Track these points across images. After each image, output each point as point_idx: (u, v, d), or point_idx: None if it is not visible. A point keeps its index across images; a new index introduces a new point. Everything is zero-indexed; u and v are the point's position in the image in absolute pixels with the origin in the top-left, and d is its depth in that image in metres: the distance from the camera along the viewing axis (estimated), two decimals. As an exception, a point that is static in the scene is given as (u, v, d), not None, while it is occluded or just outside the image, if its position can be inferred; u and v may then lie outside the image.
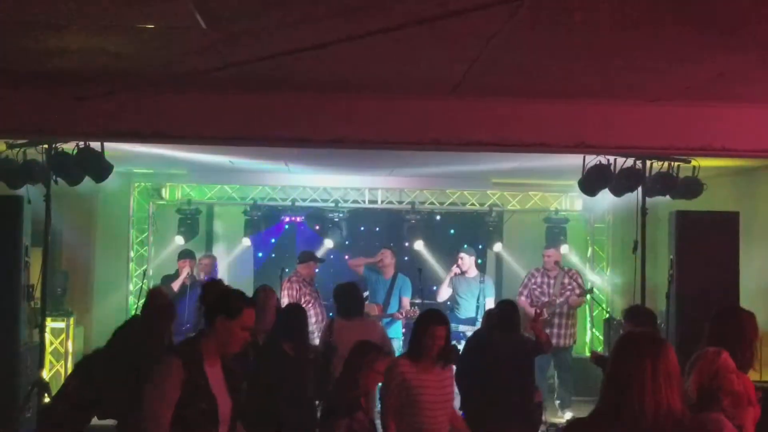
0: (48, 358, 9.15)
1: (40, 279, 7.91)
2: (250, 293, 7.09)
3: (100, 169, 7.72)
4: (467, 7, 4.02)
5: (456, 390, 8.67)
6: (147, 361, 4.09)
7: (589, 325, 12.17)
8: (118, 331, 5.31)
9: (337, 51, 4.87)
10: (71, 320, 10.15)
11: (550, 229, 11.83)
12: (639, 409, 2.80)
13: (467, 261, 10.20)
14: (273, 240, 12.14)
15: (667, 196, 8.37)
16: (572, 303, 10.07)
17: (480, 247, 12.15)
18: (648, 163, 7.98)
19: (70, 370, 9.81)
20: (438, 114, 6.51)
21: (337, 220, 11.64)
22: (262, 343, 6.27)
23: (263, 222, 11.69)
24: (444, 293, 10.32)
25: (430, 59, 5.41)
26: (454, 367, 6.01)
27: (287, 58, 5.03)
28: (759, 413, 4.11)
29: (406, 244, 11.78)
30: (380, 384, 5.40)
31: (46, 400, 7.58)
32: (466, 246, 10.50)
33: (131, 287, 11.34)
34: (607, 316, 11.22)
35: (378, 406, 6.19)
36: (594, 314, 12.06)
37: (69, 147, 7.59)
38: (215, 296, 4.03)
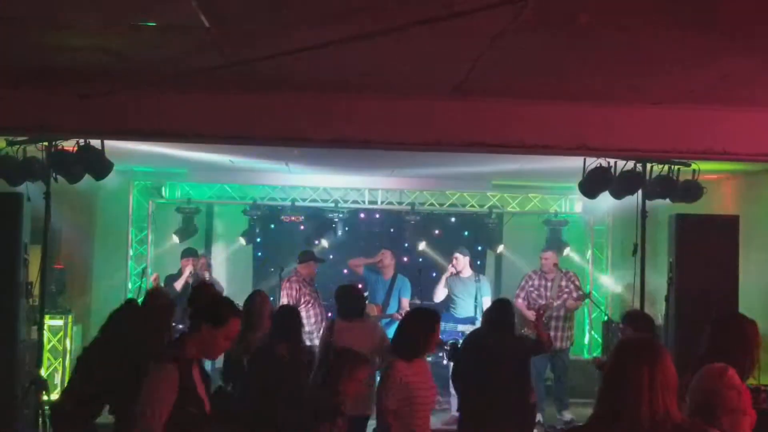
0: (46, 355, 9.14)
1: (38, 276, 7.90)
2: (248, 292, 7.15)
3: (101, 167, 7.71)
4: (472, 8, 4.01)
5: (453, 391, 8.77)
6: (146, 361, 4.08)
7: (587, 328, 12.18)
8: (114, 314, 5.32)
9: (339, 51, 4.87)
10: (70, 318, 10.14)
11: (549, 232, 11.86)
12: (636, 414, 2.81)
13: (462, 261, 10.21)
14: (272, 240, 12.13)
15: (667, 200, 8.36)
16: (569, 306, 10.08)
17: (479, 248, 12.18)
18: (648, 166, 7.98)
19: (68, 368, 9.86)
20: (439, 114, 6.51)
21: (337, 220, 11.64)
22: (258, 346, 6.28)
23: (263, 221, 11.68)
24: (440, 294, 10.32)
25: (432, 60, 5.41)
26: (451, 365, 6.04)
27: (289, 57, 5.03)
28: (755, 419, 4.10)
29: (406, 244, 11.79)
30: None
31: (45, 397, 7.59)
32: (460, 246, 10.52)
33: (130, 285, 11.33)
34: (606, 319, 11.22)
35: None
36: (593, 317, 12.07)
37: (69, 144, 7.58)
38: (204, 301, 4.01)
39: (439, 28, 4.40)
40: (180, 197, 11.67)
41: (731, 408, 3.83)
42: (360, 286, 9.11)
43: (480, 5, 3.98)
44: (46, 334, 8.78)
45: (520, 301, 10.00)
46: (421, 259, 11.91)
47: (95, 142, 7.52)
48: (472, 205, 11.94)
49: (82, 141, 7.48)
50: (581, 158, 7.79)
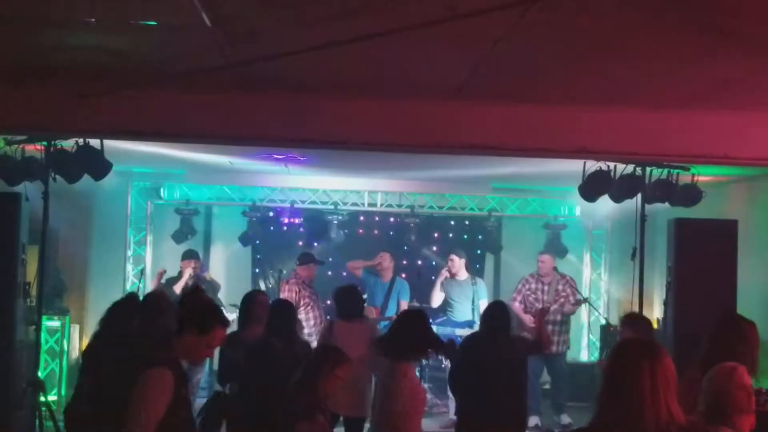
0: (43, 356, 9.11)
1: (36, 277, 7.88)
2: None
3: (100, 167, 7.70)
4: (475, 10, 4.01)
5: (450, 394, 8.75)
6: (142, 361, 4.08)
7: (585, 332, 12.18)
8: (115, 308, 5.31)
9: (340, 52, 4.86)
10: (67, 319, 10.12)
11: (548, 235, 11.86)
12: (639, 416, 2.79)
13: (457, 263, 10.20)
14: (271, 242, 12.11)
15: (666, 203, 8.37)
16: (567, 311, 10.10)
17: (478, 252, 12.18)
18: (648, 169, 7.99)
19: (65, 369, 9.85)
20: (440, 117, 6.50)
21: (336, 222, 11.63)
22: (255, 343, 6.29)
23: (262, 223, 11.66)
24: (437, 298, 10.31)
25: (434, 61, 5.41)
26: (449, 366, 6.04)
27: (290, 58, 5.02)
28: (754, 420, 4.10)
29: (405, 247, 11.79)
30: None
31: (42, 398, 7.57)
32: (456, 248, 10.52)
33: (128, 287, 11.30)
34: (605, 322, 11.22)
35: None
36: (590, 320, 12.07)
37: (68, 144, 7.57)
38: (192, 308, 4.02)
39: (441, 30, 4.40)
40: (179, 198, 11.65)
41: (740, 407, 3.82)
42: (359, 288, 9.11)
43: (483, 8, 3.98)
44: (43, 334, 8.75)
45: (516, 304, 10.00)
46: (420, 262, 11.91)
47: (94, 142, 7.51)
48: (472, 208, 11.95)
49: (81, 141, 7.46)
50: (581, 162, 7.80)
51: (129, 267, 11.50)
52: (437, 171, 10.32)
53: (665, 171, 8.05)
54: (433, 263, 11.82)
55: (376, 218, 12.19)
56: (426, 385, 9.86)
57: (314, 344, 7.43)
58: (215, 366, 8.20)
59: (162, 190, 11.68)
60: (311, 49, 4.79)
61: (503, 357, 6.38)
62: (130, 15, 4.56)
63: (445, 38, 4.72)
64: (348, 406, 6.45)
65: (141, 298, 6.29)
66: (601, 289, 12.22)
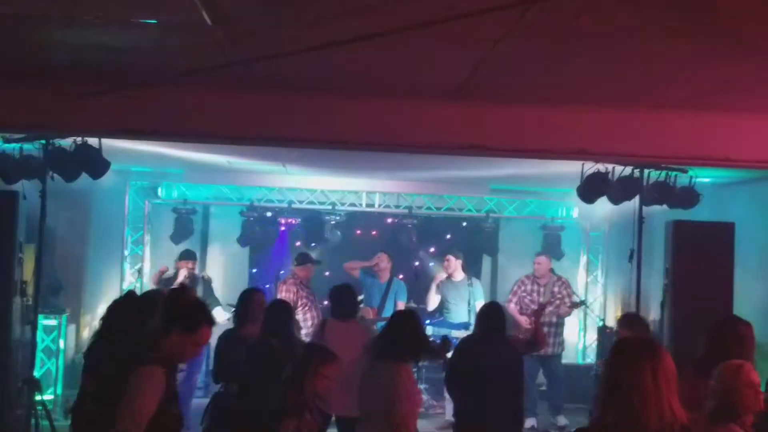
0: (39, 355, 9.09)
1: (33, 275, 7.87)
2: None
3: (98, 166, 7.69)
4: (475, 10, 4.01)
5: (447, 395, 8.74)
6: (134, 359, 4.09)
7: (582, 333, 12.18)
8: (114, 306, 5.30)
9: (340, 52, 4.85)
10: (63, 318, 10.10)
11: (546, 237, 11.87)
12: (642, 416, 2.77)
13: (453, 263, 10.22)
14: (269, 242, 12.10)
15: (664, 206, 8.37)
16: (563, 313, 10.11)
17: (476, 253, 12.16)
18: (646, 171, 7.99)
19: (61, 368, 9.83)
20: (439, 117, 6.49)
21: (334, 222, 11.63)
22: (253, 341, 6.29)
23: (259, 223, 11.65)
24: (433, 301, 10.32)
25: (433, 62, 5.40)
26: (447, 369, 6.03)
27: (290, 57, 5.01)
28: (751, 420, 4.11)
29: (403, 248, 11.78)
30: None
31: (38, 397, 7.55)
32: (453, 249, 10.52)
33: (125, 286, 11.29)
34: (601, 324, 11.23)
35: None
36: (587, 322, 12.08)
37: (66, 143, 7.56)
38: (178, 306, 4.01)
39: (441, 30, 4.40)
40: (176, 198, 11.64)
41: (748, 405, 3.82)
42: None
43: (482, 8, 3.97)
44: (39, 333, 8.73)
45: (512, 305, 9.99)
46: (417, 263, 11.91)
47: (93, 141, 7.50)
48: (470, 210, 11.94)
49: (79, 139, 7.45)
50: (579, 163, 7.80)
51: (126, 266, 11.48)
52: (435, 172, 10.32)
53: (663, 173, 8.05)
54: (431, 264, 11.82)
55: (374, 219, 12.18)
56: (422, 386, 9.87)
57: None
58: (212, 366, 8.20)
59: (159, 189, 11.66)
60: (310, 48, 4.78)
61: (500, 358, 6.35)
62: (130, 13, 4.55)
63: (444, 38, 4.71)
64: (341, 407, 6.40)
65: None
66: (597, 291, 12.23)
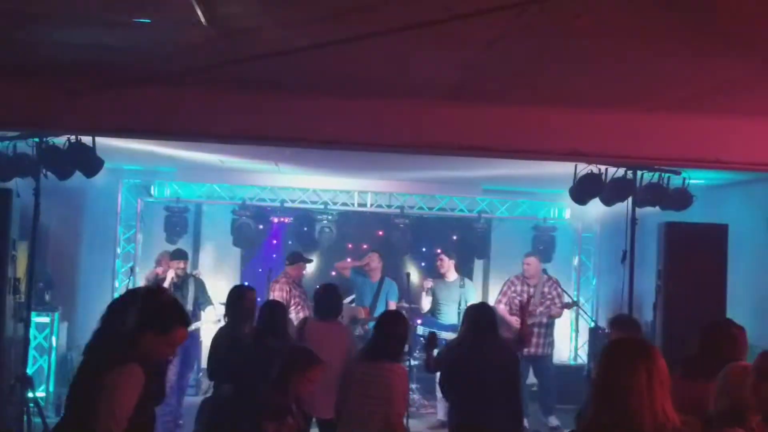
0: (32, 352, 9.08)
1: (26, 273, 7.86)
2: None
3: (91, 164, 7.67)
4: (471, 10, 4.01)
5: (438, 395, 8.75)
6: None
7: (573, 334, 12.21)
8: (114, 305, 5.29)
9: (334, 52, 4.86)
10: (56, 315, 10.09)
11: (537, 238, 11.89)
12: (637, 417, 2.76)
13: (446, 263, 10.24)
14: (260, 240, 12.11)
15: (657, 207, 8.40)
16: (554, 314, 10.09)
17: (467, 253, 12.18)
18: (639, 173, 8.01)
19: (53, 365, 9.82)
20: (433, 117, 6.49)
21: (325, 222, 11.63)
22: (248, 341, 6.28)
23: (251, 222, 11.64)
24: (426, 303, 10.34)
25: (428, 62, 5.40)
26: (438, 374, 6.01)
27: (285, 57, 5.01)
28: (757, 418, 4.13)
29: (394, 248, 11.79)
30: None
31: (30, 394, 7.54)
32: (445, 249, 10.54)
33: (117, 284, 11.28)
34: (593, 325, 11.25)
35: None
36: (578, 323, 12.11)
37: (60, 141, 7.54)
38: (153, 306, 3.99)
39: (437, 31, 4.40)
40: (169, 196, 11.64)
41: (750, 407, 3.83)
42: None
43: (479, 9, 3.98)
44: (32, 330, 8.72)
45: (502, 306, 9.98)
46: (408, 263, 11.92)
47: (86, 139, 7.49)
48: (462, 210, 11.96)
49: (73, 138, 7.44)
50: (572, 164, 7.81)
51: (118, 264, 11.46)
52: (427, 172, 10.33)
53: (656, 175, 8.08)
54: (422, 264, 11.83)
55: (366, 218, 12.18)
56: (413, 386, 9.88)
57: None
58: (203, 364, 8.19)
59: (152, 187, 11.66)
60: (304, 48, 4.79)
61: (496, 358, 6.32)
62: (124, 12, 4.54)
63: (440, 39, 4.71)
64: (322, 408, 6.36)
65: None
66: (589, 292, 12.26)
